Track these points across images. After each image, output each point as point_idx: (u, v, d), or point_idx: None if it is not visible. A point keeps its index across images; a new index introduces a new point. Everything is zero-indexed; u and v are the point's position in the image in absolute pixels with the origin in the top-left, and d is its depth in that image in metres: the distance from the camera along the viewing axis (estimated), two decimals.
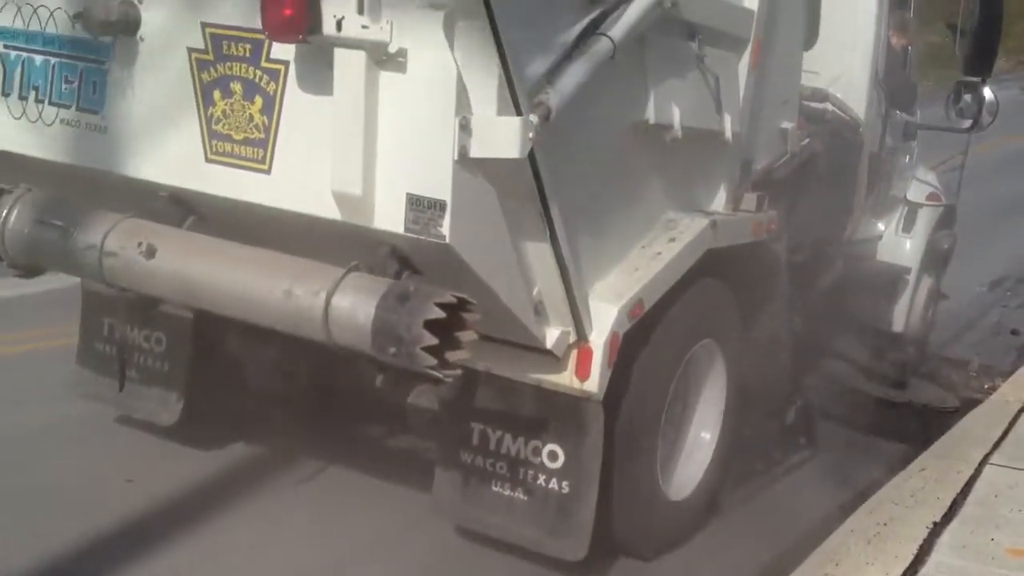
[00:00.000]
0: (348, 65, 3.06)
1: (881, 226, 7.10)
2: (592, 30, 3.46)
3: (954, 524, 4.17)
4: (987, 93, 6.91)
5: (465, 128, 3.03)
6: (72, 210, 3.63)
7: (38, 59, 3.76)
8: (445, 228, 3.08)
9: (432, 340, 3.03)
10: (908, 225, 7.24)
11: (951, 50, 6.97)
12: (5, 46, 3.82)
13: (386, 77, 3.06)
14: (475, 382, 3.98)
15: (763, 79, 4.66)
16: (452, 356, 3.12)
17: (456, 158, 3.04)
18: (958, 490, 4.52)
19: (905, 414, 6.44)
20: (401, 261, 3.30)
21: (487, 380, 3.98)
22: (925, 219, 7.30)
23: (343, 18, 3.00)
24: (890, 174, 6.93)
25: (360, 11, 2.98)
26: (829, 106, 5.89)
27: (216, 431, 5.07)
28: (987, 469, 4.81)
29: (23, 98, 3.82)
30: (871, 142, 6.37)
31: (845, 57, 6.08)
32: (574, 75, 3.33)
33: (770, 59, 4.68)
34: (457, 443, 4.18)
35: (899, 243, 7.18)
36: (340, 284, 3.17)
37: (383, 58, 3.04)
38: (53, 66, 3.73)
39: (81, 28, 3.50)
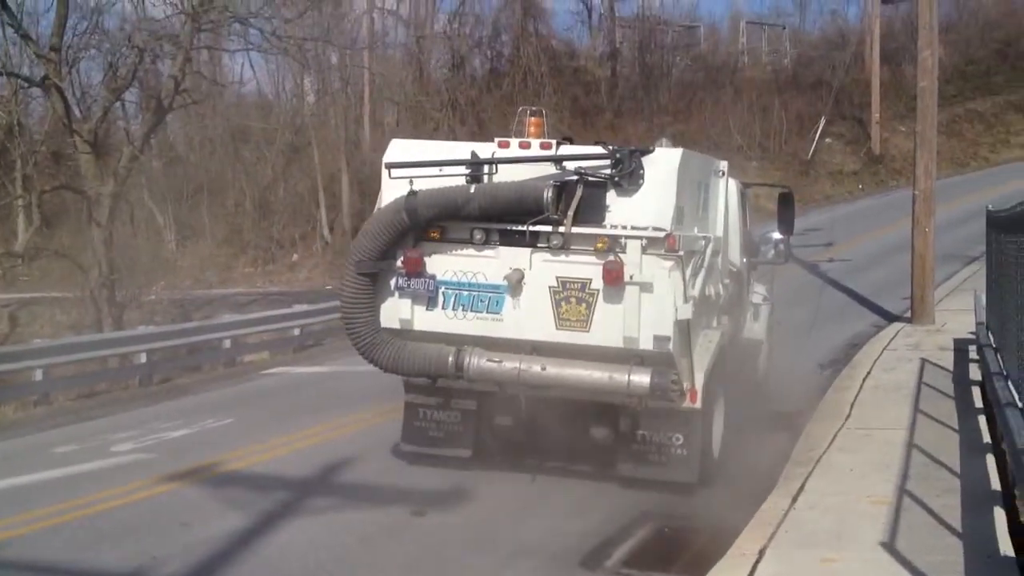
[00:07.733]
0: (632, 291, 8.41)
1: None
2: (703, 260, 8.96)
3: None
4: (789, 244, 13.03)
5: (676, 310, 8.41)
6: (499, 354, 8.67)
7: (465, 293, 8.84)
8: (670, 345, 8.43)
9: (675, 389, 8.39)
10: (756, 316, 13.14)
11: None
12: (447, 288, 8.85)
13: (646, 295, 8.42)
14: (639, 413, 9.24)
15: (725, 263, 10.29)
16: (678, 396, 8.49)
17: (675, 320, 8.42)
18: None
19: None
20: (640, 359, 8.60)
21: (643, 410, 9.23)
22: (764, 311, 13.23)
23: (635, 285, 8.34)
24: (748, 290, 12.79)
25: (640, 272, 8.33)
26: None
27: (488, 459, 10.00)
28: None
29: (454, 309, 8.88)
30: (744, 276, 12.19)
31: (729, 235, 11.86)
32: (699, 284, 8.81)
33: (729, 253, 10.35)
34: (629, 441, 9.40)
35: (754, 327, 13.03)
36: (632, 370, 8.46)
37: (645, 285, 8.38)
38: (474, 296, 8.81)
39: (505, 285, 8.61)
